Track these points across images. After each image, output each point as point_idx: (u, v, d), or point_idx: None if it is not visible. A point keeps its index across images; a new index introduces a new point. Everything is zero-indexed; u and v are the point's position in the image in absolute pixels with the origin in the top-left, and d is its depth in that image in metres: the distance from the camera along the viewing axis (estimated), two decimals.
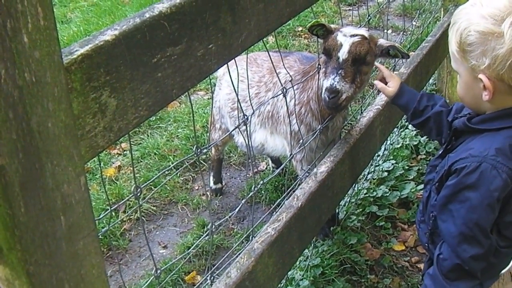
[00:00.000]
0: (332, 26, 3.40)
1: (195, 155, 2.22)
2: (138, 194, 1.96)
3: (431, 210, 2.53)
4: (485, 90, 2.21)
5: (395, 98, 3.07)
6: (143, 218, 4.83)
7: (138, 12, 1.64)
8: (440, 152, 2.62)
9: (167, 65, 1.70)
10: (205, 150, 2.26)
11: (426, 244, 2.64)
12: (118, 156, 5.69)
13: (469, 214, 2.24)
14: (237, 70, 2.62)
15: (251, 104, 3.73)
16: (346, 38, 3.23)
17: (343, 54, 3.20)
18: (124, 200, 2.20)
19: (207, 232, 2.55)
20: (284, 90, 2.82)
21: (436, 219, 2.47)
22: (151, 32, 1.62)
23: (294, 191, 3.11)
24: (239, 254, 2.70)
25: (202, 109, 6.22)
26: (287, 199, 3.04)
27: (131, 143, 5.77)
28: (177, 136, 5.84)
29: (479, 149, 2.24)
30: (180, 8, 1.71)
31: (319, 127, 3.49)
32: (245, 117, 2.54)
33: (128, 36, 1.55)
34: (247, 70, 3.59)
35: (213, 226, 2.55)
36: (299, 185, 3.20)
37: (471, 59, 2.20)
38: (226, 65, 2.07)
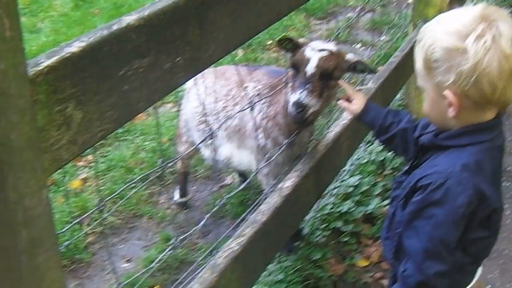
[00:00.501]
0: (301, 40, 3.41)
1: (161, 168, 2.21)
2: (102, 208, 1.94)
3: (397, 226, 2.52)
4: (451, 107, 2.21)
5: (361, 115, 3.08)
6: (106, 231, 4.78)
7: (106, 24, 1.63)
8: (406, 168, 2.62)
9: (134, 78, 1.69)
10: (170, 164, 2.24)
11: (391, 261, 2.64)
12: (84, 168, 5.63)
13: (434, 230, 2.24)
14: (204, 83, 2.61)
15: (217, 119, 3.73)
16: (314, 53, 3.23)
17: (310, 68, 3.20)
18: (88, 213, 2.17)
19: (170, 247, 2.53)
20: (251, 104, 2.82)
21: (401, 236, 2.46)
22: (119, 44, 1.61)
23: (259, 206, 3.10)
24: (202, 269, 2.68)
25: (169, 122, 6.18)
26: (251, 214, 3.03)
27: (97, 155, 5.73)
28: (144, 148, 5.79)
29: (445, 165, 2.25)
30: (148, 21, 1.71)
31: (285, 141, 3.49)
32: (211, 131, 2.54)
33: (95, 48, 1.53)
34: (215, 84, 3.58)
35: (177, 241, 2.53)
36: (264, 199, 3.19)
37: (437, 76, 2.20)
38: (194, 78, 2.07)
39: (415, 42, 2.35)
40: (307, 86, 3.19)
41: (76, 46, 1.49)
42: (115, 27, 1.61)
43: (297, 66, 3.27)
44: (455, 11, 2.27)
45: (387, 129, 2.94)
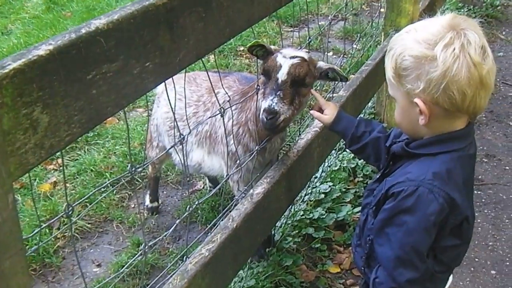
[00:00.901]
0: (272, 47, 3.40)
1: (130, 173, 2.19)
2: (70, 213, 1.92)
3: (368, 233, 2.52)
4: (421, 115, 2.23)
5: (332, 124, 3.08)
6: (76, 235, 4.75)
7: (74, 27, 1.62)
8: (378, 176, 2.63)
9: (102, 82, 1.68)
10: (140, 169, 2.23)
11: (362, 268, 2.64)
12: (54, 172, 5.60)
13: (405, 237, 2.25)
14: (175, 88, 2.60)
15: (188, 124, 3.71)
16: (286, 60, 3.23)
17: (282, 75, 3.20)
18: (56, 218, 2.14)
19: (140, 252, 2.52)
20: (222, 110, 2.81)
21: (372, 243, 2.46)
22: (87, 48, 1.60)
23: (230, 212, 3.09)
24: (172, 274, 2.67)
25: (140, 126, 6.16)
26: (222, 220, 3.02)
27: (67, 158, 5.70)
28: (115, 152, 5.77)
29: (417, 173, 2.25)
30: (117, 25, 1.70)
31: (256, 148, 3.48)
32: (181, 136, 2.52)
33: (63, 52, 1.52)
34: (185, 89, 3.56)
35: (147, 246, 2.51)
36: (235, 206, 3.18)
37: (407, 84, 2.21)
38: (164, 83, 2.05)
39: (386, 51, 2.36)
40: (278, 93, 3.19)
41: (43, 49, 1.48)
42: (83, 31, 1.60)
43: (269, 73, 3.26)
44: (425, 21, 2.29)
45: (359, 138, 2.95)
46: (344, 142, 3.11)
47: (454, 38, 2.12)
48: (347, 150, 5.30)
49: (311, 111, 3.21)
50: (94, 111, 1.68)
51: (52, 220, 2.15)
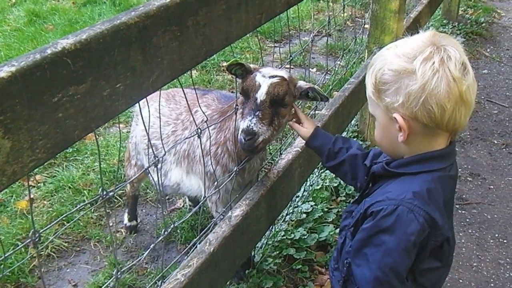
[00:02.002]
0: (252, 65, 3.34)
1: (101, 197, 2.11)
2: (36, 240, 1.84)
3: (346, 256, 2.48)
4: (400, 131, 2.21)
5: (310, 140, 3.09)
6: (53, 254, 4.66)
7: (39, 48, 1.54)
8: (357, 197, 2.60)
9: (69, 105, 1.61)
10: (111, 193, 2.15)
11: None
12: (31, 188, 5.50)
13: (384, 258, 2.20)
14: (149, 107, 2.53)
15: (163, 145, 3.64)
16: (265, 79, 3.16)
17: (261, 95, 3.13)
18: (22, 245, 2.06)
19: (117, 273, 2.44)
20: (199, 130, 2.74)
21: (350, 266, 2.42)
22: (52, 69, 1.53)
23: (207, 235, 3.02)
24: None
25: (120, 143, 6.08)
26: (199, 243, 2.95)
27: (45, 175, 5.62)
28: (94, 169, 5.68)
29: (396, 192, 2.22)
30: (85, 45, 1.63)
31: (235, 168, 3.42)
32: (156, 158, 2.44)
33: (26, 73, 1.45)
34: (159, 108, 3.49)
35: (124, 268, 2.44)
36: (213, 228, 3.12)
37: (386, 98, 2.20)
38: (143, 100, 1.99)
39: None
40: (257, 113, 3.12)
41: (5, 71, 1.41)
42: (49, 51, 1.52)
43: (247, 93, 3.19)
44: (406, 38, 2.29)
45: (336, 154, 2.95)
46: (321, 160, 3.09)
47: (434, 53, 2.12)
48: None
49: (290, 122, 3.22)
50: (61, 135, 1.61)
51: (18, 248, 2.06)
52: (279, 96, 3.15)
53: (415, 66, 2.11)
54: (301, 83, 3.32)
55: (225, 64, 7.94)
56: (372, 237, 2.23)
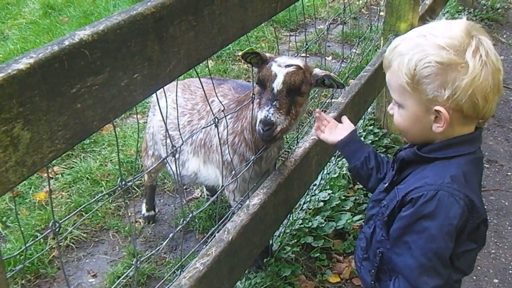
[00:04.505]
0: (267, 54, 3.33)
1: (120, 188, 2.12)
2: (57, 230, 1.86)
3: (377, 246, 2.47)
4: (438, 122, 2.20)
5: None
6: (72, 245, 4.69)
7: (57, 39, 1.55)
8: (386, 186, 2.55)
9: (88, 96, 1.62)
10: (130, 184, 2.16)
11: (372, 283, 2.56)
12: (50, 180, 5.52)
13: (428, 244, 2.19)
14: (166, 98, 2.53)
15: (180, 134, 3.65)
16: (281, 69, 3.16)
17: (277, 85, 3.13)
18: (42, 235, 2.08)
19: (137, 263, 2.45)
20: (216, 120, 2.74)
21: (383, 255, 2.42)
22: (70, 60, 1.53)
23: (225, 223, 3.02)
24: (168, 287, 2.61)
25: (137, 133, 6.08)
26: (218, 232, 2.95)
27: (63, 166, 5.65)
28: (111, 160, 5.71)
29: (434, 177, 2.21)
30: (103, 36, 1.63)
31: (252, 157, 3.42)
32: (174, 148, 2.45)
33: (44, 65, 1.46)
34: (177, 99, 3.49)
35: (143, 258, 2.46)
36: (231, 216, 3.12)
37: (427, 90, 2.15)
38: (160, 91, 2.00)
39: (391, 55, 2.28)
40: (274, 103, 3.12)
41: (23, 63, 1.42)
42: (67, 43, 1.53)
43: (264, 83, 3.19)
44: (438, 24, 2.24)
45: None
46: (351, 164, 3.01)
47: (479, 45, 2.11)
48: None
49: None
50: (79, 126, 1.62)
51: (39, 238, 2.08)
52: (295, 85, 3.15)
53: (466, 59, 2.08)
54: (316, 70, 3.31)
55: (240, 53, 7.93)
56: (413, 224, 2.22)
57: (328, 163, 5.00)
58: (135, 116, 6.53)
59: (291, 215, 4.53)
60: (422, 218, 2.19)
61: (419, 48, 2.17)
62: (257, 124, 3.17)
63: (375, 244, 2.49)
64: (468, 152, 2.27)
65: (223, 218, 3.29)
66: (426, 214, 2.17)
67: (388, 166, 2.84)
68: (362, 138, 5.66)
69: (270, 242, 4.29)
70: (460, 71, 2.09)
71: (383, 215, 2.43)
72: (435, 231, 2.17)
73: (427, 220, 2.18)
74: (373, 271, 2.52)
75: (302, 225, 4.58)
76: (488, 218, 2.31)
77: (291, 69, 3.16)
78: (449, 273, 2.25)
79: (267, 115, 3.09)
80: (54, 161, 1.56)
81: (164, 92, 2.26)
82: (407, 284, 2.27)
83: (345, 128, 3.03)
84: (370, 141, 5.64)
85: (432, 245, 2.19)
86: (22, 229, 4.73)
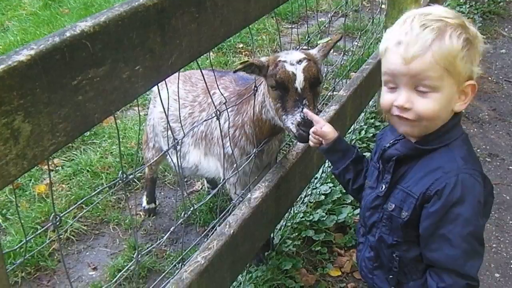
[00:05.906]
0: (262, 59, 3.26)
1: (121, 180, 2.11)
2: (58, 223, 1.84)
3: (391, 251, 2.44)
4: (463, 99, 2.23)
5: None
6: (72, 237, 4.68)
7: (58, 31, 1.53)
8: (384, 190, 2.45)
9: (89, 88, 1.60)
10: (131, 176, 2.14)
11: None
12: (50, 172, 5.51)
13: (464, 229, 2.19)
14: (167, 89, 2.51)
15: (181, 126, 3.62)
16: (295, 66, 3.12)
17: (300, 83, 3.09)
18: (43, 229, 2.06)
19: (137, 256, 2.44)
20: (218, 113, 2.72)
21: (401, 259, 2.41)
22: (72, 52, 1.52)
23: (227, 216, 3.01)
24: (167, 282, 2.60)
25: (138, 126, 6.08)
26: (219, 225, 2.94)
27: (63, 159, 5.64)
28: (111, 152, 5.69)
29: (448, 164, 2.23)
30: (104, 27, 1.61)
31: (253, 151, 3.40)
32: (176, 140, 2.43)
33: (45, 57, 1.44)
34: (178, 92, 3.48)
35: (143, 251, 2.44)
36: (232, 210, 3.11)
37: (465, 68, 2.17)
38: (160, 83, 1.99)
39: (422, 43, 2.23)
40: (304, 102, 3.08)
41: (24, 55, 1.40)
42: (68, 34, 1.51)
43: (285, 85, 3.12)
44: (434, 9, 2.23)
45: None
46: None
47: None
48: None
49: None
50: (81, 118, 1.60)
51: (40, 231, 2.06)
52: (315, 77, 3.14)
53: (475, 29, 2.20)
54: (315, 52, 3.32)
55: (241, 45, 7.90)
56: (445, 215, 2.21)
57: None
58: (135, 108, 6.52)
59: (292, 209, 4.52)
60: (453, 206, 2.19)
61: (451, 27, 2.14)
62: (294, 130, 3.08)
63: (387, 250, 2.47)
64: (462, 131, 2.32)
65: (224, 211, 3.28)
66: (456, 201, 2.18)
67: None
68: (363, 132, 5.66)
69: (271, 235, 4.28)
70: (478, 39, 2.19)
71: (397, 218, 2.38)
72: (467, 214, 2.18)
73: (458, 206, 2.18)
74: (391, 276, 2.50)
75: (303, 219, 4.57)
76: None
77: (304, 63, 3.14)
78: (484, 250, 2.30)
79: (304, 117, 3.04)
80: (54, 153, 1.54)
81: (166, 84, 2.24)
82: (454, 275, 2.25)
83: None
84: (371, 135, 5.62)
85: (469, 228, 2.19)
86: (22, 221, 4.72)
